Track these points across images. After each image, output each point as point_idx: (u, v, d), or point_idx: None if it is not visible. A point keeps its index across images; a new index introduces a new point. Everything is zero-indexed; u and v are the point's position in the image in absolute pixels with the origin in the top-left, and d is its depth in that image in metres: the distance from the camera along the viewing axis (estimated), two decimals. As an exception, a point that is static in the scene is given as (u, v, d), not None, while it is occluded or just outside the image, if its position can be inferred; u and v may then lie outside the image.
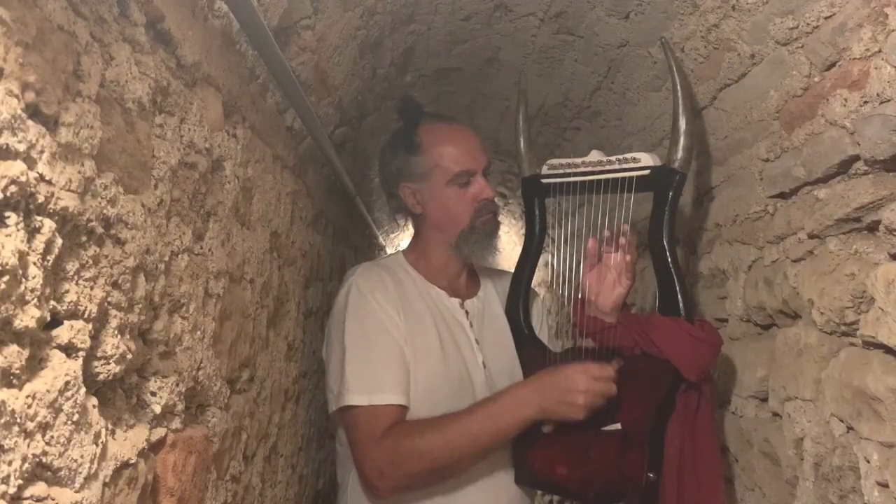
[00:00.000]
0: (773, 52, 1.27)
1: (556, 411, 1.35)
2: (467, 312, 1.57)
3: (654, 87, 1.81)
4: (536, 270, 1.70)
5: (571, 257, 1.63)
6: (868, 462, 1.03)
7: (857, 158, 1.08)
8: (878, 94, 1.00)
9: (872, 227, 1.07)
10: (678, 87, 1.50)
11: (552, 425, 1.40)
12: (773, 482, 1.41)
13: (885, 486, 0.99)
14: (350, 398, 1.37)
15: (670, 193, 1.48)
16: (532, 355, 1.55)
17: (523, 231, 1.76)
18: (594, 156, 1.55)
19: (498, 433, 1.35)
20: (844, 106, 1.08)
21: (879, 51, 0.99)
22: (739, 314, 1.57)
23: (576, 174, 1.57)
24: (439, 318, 1.52)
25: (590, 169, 1.55)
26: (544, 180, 1.62)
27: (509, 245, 4.66)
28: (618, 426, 1.41)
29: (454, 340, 1.51)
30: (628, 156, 1.52)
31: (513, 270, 1.69)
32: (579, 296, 1.55)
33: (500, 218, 1.62)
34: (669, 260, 1.47)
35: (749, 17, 1.28)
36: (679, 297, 1.45)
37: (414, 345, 1.44)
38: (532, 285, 1.70)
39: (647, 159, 1.50)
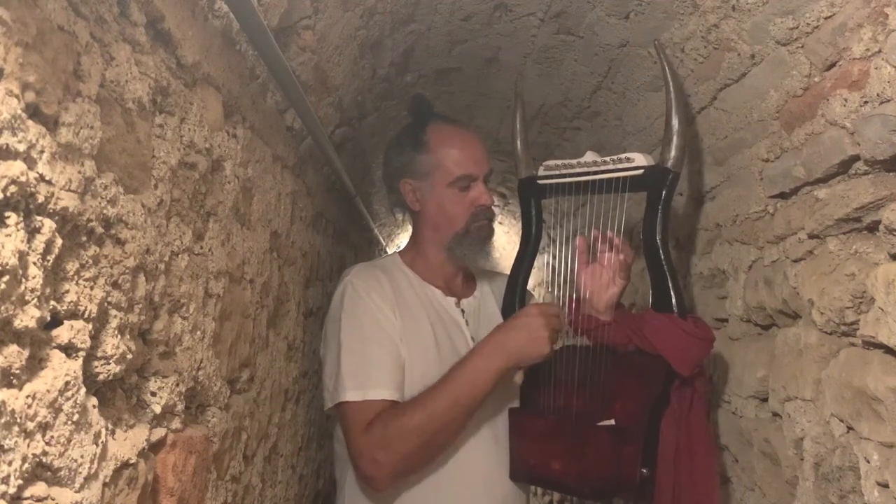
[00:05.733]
0: (773, 52, 1.27)
1: (525, 352, 1.38)
2: (463, 311, 1.59)
3: (654, 87, 1.81)
4: (535, 271, 1.71)
5: (569, 257, 1.64)
6: (868, 462, 1.04)
7: (857, 158, 1.08)
8: (878, 94, 1.00)
9: (872, 227, 1.07)
10: (671, 88, 1.53)
11: (521, 375, 1.44)
12: (773, 482, 1.41)
13: (885, 486, 0.99)
14: (345, 394, 1.38)
15: (663, 192, 1.50)
16: None
17: (523, 231, 1.76)
18: (589, 156, 1.58)
19: (475, 391, 1.36)
20: (844, 106, 1.08)
21: (879, 51, 0.99)
22: (739, 314, 1.57)
23: (571, 175, 1.59)
24: (435, 316, 1.53)
25: (585, 169, 1.57)
26: (540, 181, 1.65)
27: (510, 245, 4.66)
28: (612, 422, 1.42)
29: (450, 338, 1.52)
30: (622, 156, 1.54)
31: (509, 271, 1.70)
32: (575, 295, 1.57)
33: (498, 221, 1.65)
34: (662, 258, 1.50)
35: (749, 17, 1.28)
36: (672, 294, 1.47)
37: (409, 343, 1.45)
38: (530, 285, 1.71)
39: (640, 159, 1.53)
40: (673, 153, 1.50)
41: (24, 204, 0.58)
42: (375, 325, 1.44)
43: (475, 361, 1.37)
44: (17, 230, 0.57)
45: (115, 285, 0.77)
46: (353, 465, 1.39)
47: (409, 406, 1.36)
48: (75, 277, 0.68)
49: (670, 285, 1.48)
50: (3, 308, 0.55)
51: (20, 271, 0.57)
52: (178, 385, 0.99)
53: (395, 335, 1.44)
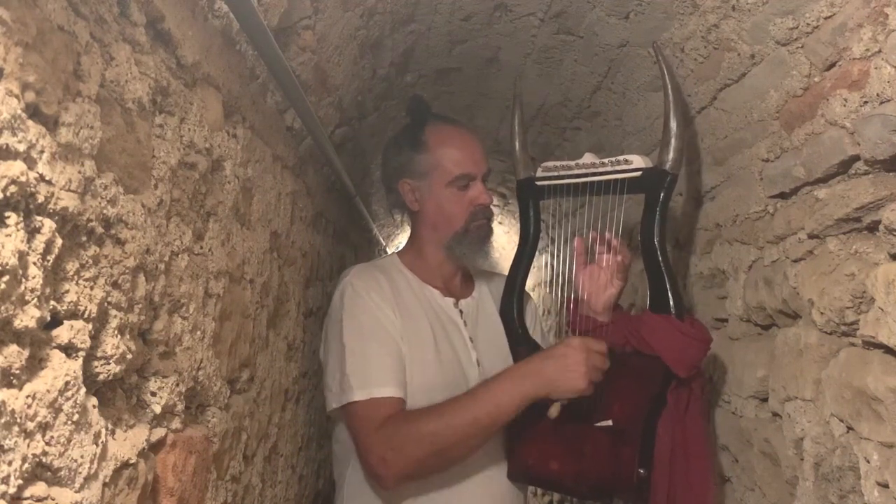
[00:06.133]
0: (773, 52, 1.27)
1: (560, 382, 1.32)
2: (461, 312, 1.59)
3: (653, 87, 1.81)
4: (535, 271, 1.72)
5: (568, 258, 1.64)
6: (868, 462, 1.04)
7: (857, 158, 1.08)
8: (878, 94, 1.00)
9: (872, 227, 1.07)
10: (669, 90, 1.53)
11: (558, 408, 1.37)
12: (773, 482, 1.41)
13: (885, 486, 0.99)
14: (351, 395, 1.38)
15: (661, 194, 1.51)
16: (526, 354, 1.56)
17: (523, 232, 1.76)
18: (587, 158, 1.58)
19: (497, 413, 1.32)
20: (844, 106, 1.08)
21: (879, 51, 0.99)
22: (739, 314, 1.57)
23: (569, 176, 1.59)
24: (433, 316, 1.53)
25: (583, 171, 1.57)
26: (538, 182, 1.65)
27: (509, 245, 4.66)
28: (609, 423, 1.42)
29: (448, 339, 1.52)
30: (620, 158, 1.55)
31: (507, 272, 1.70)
32: (573, 296, 1.57)
33: (498, 222, 1.65)
34: (660, 259, 1.50)
35: (749, 17, 1.28)
36: (670, 295, 1.48)
37: (409, 342, 1.45)
38: (529, 286, 1.71)
39: (638, 161, 1.53)
40: (671, 155, 1.51)
41: (24, 204, 0.58)
42: (377, 323, 1.44)
43: (504, 384, 1.34)
44: (17, 230, 0.57)
45: (115, 285, 0.77)
46: (362, 462, 1.39)
47: (427, 412, 1.34)
48: (75, 277, 0.68)
49: (668, 287, 1.48)
50: (3, 308, 0.55)
51: (20, 271, 0.57)
52: (178, 385, 0.99)
53: (396, 333, 1.44)
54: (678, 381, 1.44)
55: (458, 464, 1.38)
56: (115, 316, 0.77)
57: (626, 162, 1.53)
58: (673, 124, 1.52)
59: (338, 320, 1.46)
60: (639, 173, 1.52)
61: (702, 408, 1.52)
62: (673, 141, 1.51)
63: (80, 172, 0.67)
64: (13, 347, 0.57)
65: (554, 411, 1.37)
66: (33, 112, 0.60)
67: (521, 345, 1.60)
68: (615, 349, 1.49)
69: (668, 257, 1.53)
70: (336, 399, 1.42)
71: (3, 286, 0.54)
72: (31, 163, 0.59)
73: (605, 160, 1.56)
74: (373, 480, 1.39)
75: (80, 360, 0.69)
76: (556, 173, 1.62)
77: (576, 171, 1.59)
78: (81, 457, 0.68)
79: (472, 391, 1.36)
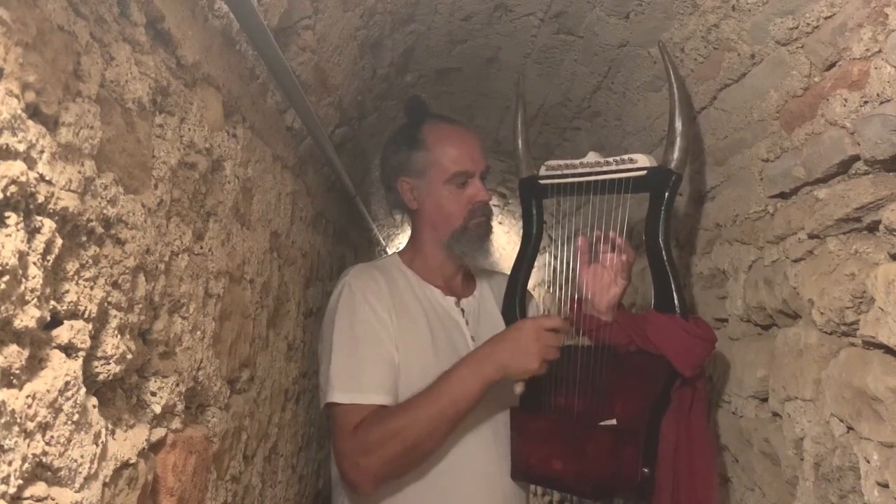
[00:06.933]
0: (773, 52, 1.27)
1: (512, 365, 1.35)
2: (463, 311, 1.59)
3: (654, 87, 1.81)
4: (537, 270, 1.71)
5: (570, 257, 1.64)
6: (868, 462, 1.04)
7: (857, 158, 1.08)
8: (878, 94, 1.00)
9: (872, 227, 1.07)
10: (674, 90, 1.53)
11: (522, 385, 1.40)
12: (773, 482, 1.41)
13: (885, 486, 0.99)
14: (333, 395, 1.38)
15: (666, 194, 1.51)
16: None
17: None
18: (591, 157, 1.57)
19: (460, 401, 1.34)
20: (844, 106, 1.08)
21: (879, 51, 0.99)
22: (739, 314, 1.57)
23: (573, 175, 1.59)
24: (433, 316, 1.53)
25: (587, 170, 1.57)
26: (542, 181, 1.64)
27: (510, 245, 4.66)
28: (613, 421, 1.42)
29: (449, 338, 1.52)
30: (625, 157, 1.54)
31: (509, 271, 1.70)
32: (576, 295, 1.57)
33: (496, 221, 1.65)
34: (665, 259, 1.50)
35: (749, 17, 1.28)
36: (674, 294, 1.48)
37: (406, 344, 1.45)
38: (530, 285, 1.70)
39: (643, 160, 1.52)
40: (676, 154, 1.51)
41: (24, 204, 0.58)
42: (369, 327, 1.44)
43: (462, 371, 1.36)
44: (17, 230, 0.57)
45: (115, 285, 0.77)
46: (337, 467, 1.39)
47: (394, 411, 1.36)
48: (75, 277, 0.68)
49: (673, 286, 1.48)
50: (3, 308, 0.55)
51: (20, 271, 0.57)
52: (178, 385, 0.99)
53: (388, 338, 1.44)
54: (682, 380, 1.44)
55: (428, 457, 1.39)
56: (115, 316, 0.77)
57: (631, 161, 1.53)
58: (678, 123, 1.51)
59: (332, 320, 1.47)
60: (644, 172, 1.52)
61: (705, 406, 1.53)
62: (678, 140, 1.51)
63: (80, 172, 0.67)
64: (13, 347, 0.57)
65: (518, 388, 1.41)
66: (33, 112, 0.60)
67: None
68: (619, 348, 1.49)
69: (673, 256, 1.53)
70: (322, 398, 1.43)
71: (3, 286, 0.54)
72: (31, 163, 0.59)
73: (610, 159, 1.55)
74: (349, 488, 1.39)
75: (80, 360, 0.69)
76: (560, 172, 1.61)
77: (580, 170, 1.58)
78: (81, 457, 0.68)
79: (433, 384, 1.37)
